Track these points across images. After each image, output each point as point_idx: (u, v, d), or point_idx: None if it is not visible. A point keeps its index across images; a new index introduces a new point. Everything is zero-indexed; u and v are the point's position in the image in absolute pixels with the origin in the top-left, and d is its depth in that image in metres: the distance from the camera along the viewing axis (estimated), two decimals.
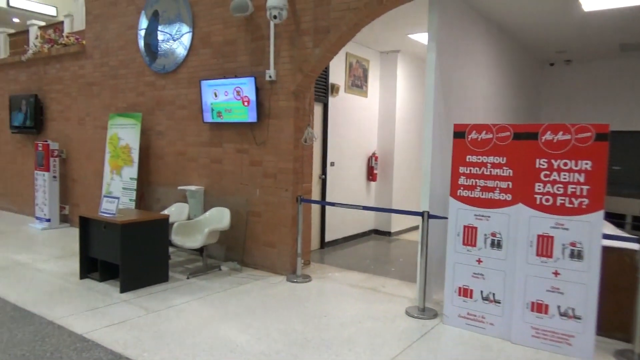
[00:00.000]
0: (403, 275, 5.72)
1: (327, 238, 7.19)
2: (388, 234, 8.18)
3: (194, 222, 5.71)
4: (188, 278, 5.32)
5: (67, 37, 8.37)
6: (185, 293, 4.80)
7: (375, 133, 8.17)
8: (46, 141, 7.99)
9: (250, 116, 5.62)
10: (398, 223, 8.30)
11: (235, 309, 4.39)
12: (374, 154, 8.05)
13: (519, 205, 3.78)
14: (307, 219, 5.83)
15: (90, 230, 5.19)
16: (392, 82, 8.07)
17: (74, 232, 7.71)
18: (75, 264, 5.64)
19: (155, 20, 6.69)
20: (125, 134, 6.85)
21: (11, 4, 19.54)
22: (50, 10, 20.13)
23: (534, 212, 3.70)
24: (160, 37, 6.63)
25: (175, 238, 5.35)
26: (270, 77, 5.50)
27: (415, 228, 8.63)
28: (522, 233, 3.76)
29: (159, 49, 6.65)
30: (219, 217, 5.70)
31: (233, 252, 5.95)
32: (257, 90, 5.56)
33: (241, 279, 5.33)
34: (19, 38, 13.30)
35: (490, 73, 6.15)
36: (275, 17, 5.05)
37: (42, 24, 11.52)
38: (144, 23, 6.83)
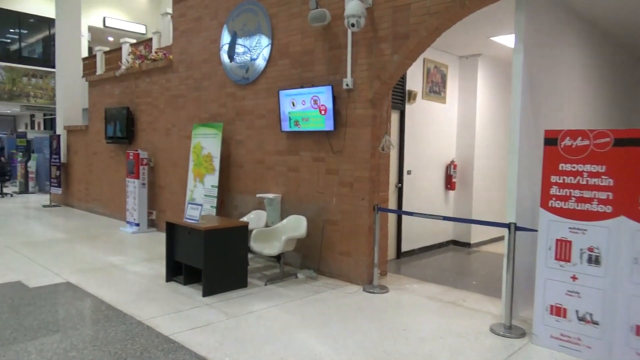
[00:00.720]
0: (485, 290, 5.44)
1: (404, 248, 7.03)
2: (467, 245, 7.85)
3: (272, 230, 5.81)
4: (266, 285, 5.40)
5: (155, 52, 8.92)
6: (264, 299, 4.88)
7: (453, 140, 7.90)
8: (136, 150, 8.53)
9: (327, 125, 5.64)
10: (478, 234, 7.94)
11: (312, 317, 4.38)
12: (452, 161, 7.78)
13: (621, 218, 3.45)
14: (384, 228, 5.73)
15: (175, 235, 5.44)
16: (472, 87, 7.77)
17: (161, 237, 8.14)
18: (161, 267, 5.94)
19: (235, 34, 6.94)
20: (207, 143, 7.15)
21: (107, 24, 21.29)
22: (140, 29, 21.66)
23: (639, 226, 3.36)
24: (239, 49, 6.86)
25: (254, 245, 5.47)
26: (347, 85, 5.49)
27: (497, 239, 8.21)
28: (625, 249, 3.42)
29: (239, 61, 6.88)
30: (296, 225, 5.76)
31: (309, 260, 5.98)
32: (334, 98, 5.57)
33: (317, 287, 5.33)
34: (113, 55, 14.42)
35: (583, 74, 5.73)
36: (353, 25, 5.04)
37: (133, 41, 12.45)
38: (225, 37, 7.11)
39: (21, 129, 23.69)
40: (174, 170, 8.30)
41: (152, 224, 8.77)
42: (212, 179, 7.01)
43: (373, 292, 5.17)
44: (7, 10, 19.12)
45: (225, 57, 7.12)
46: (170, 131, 8.38)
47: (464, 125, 7.85)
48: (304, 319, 4.32)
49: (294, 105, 5.95)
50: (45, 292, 5.01)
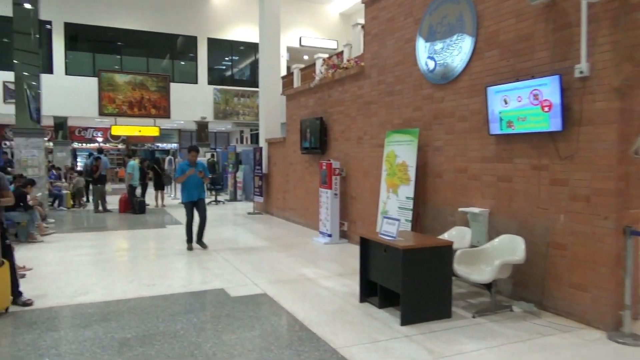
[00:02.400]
0: None
1: None
2: None
3: (479, 251, 4.92)
4: (474, 317, 4.53)
5: (347, 61, 8.79)
6: (473, 337, 4.03)
7: None
8: (329, 160, 8.46)
9: (552, 124, 4.53)
10: None
11: None
12: None
13: None
14: (638, 257, 4.34)
15: (370, 252, 4.96)
16: None
17: (352, 249, 7.86)
18: (354, 284, 5.54)
19: (433, 29, 6.25)
20: (401, 151, 6.59)
21: (302, 43, 22.75)
22: (332, 44, 22.58)
23: None
24: (438, 45, 6.15)
25: (458, 268, 4.67)
26: (581, 72, 4.31)
27: None
28: None
29: (437, 58, 6.16)
30: (511, 247, 4.75)
31: (526, 290, 4.90)
32: (562, 91, 4.44)
33: (541, 328, 4.25)
34: (307, 71, 15.05)
35: None
36: None
37: (326, 56, 12.73)
38: (422, 33, 6.48)
39: (232, 144, 26.85)
40: (366, 180, 7.96)
41: (343, 235, 8.58)
42: (407, 190, 6.40)
43: (625, 344, 3.88)
44: (223, 40, 21.83)
45: (421, 56, 6.48)
46: (361, 139, 8.08)
47: None
48: None
49: (506, 103, 4.98)
50: (244, 303, 5.01)
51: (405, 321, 4.31)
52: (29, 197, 8.82)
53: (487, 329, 4.21)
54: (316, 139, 9.31)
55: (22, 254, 7.07)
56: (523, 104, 4.79)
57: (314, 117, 9.49)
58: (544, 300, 4.71)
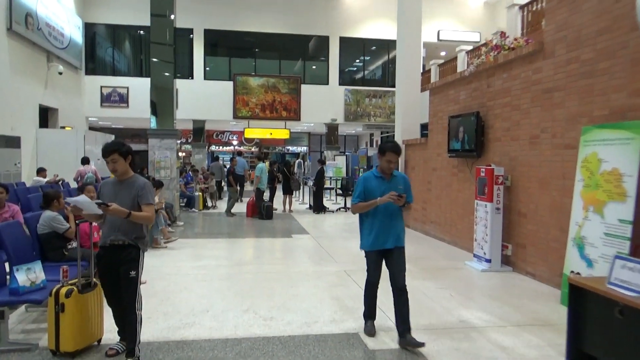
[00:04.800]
0: None
1: None
2: None
3: None
4: None
5: (515, 39, 6.92)
6: None
7: None
8: (489, 165, 6.67)
9: None
10: None
11: None
12: None
13: None
14: None
15: (587, 309, 3.20)
16: None
17: (521, 282, 6.00)
18: (545, 344, 3.81)
19: None
20: (611, 153, 4.61)
21: (440, 37, 20.79)
22: (474, 37, 20.27)
23: None
24: None
25: None
26: None
27: None
28: None
29: None
30: None
31: None
32: None
33: None
34: (447, 67, 13.15)
35: None
36: None
37: (470, 48, 10.79)
38: None
39: (362, 147, 25.75)
40: (543, 193, 6.02)
41: (505, 260, 6.71)
42: (622, 210, 4.41)
43: None
44: (355, 38, 20.78)
45: None
46: (537, 138, 6.16)
47: None
48: None
49: None
50: None
51: None
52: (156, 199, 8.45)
53: None
54: (470, 139, 7.53)
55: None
56: None
57: (468, 113, 7.73)
58: None
